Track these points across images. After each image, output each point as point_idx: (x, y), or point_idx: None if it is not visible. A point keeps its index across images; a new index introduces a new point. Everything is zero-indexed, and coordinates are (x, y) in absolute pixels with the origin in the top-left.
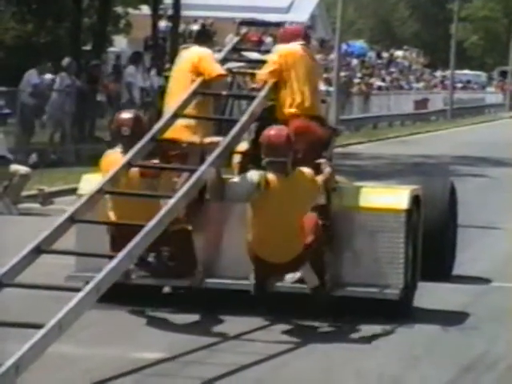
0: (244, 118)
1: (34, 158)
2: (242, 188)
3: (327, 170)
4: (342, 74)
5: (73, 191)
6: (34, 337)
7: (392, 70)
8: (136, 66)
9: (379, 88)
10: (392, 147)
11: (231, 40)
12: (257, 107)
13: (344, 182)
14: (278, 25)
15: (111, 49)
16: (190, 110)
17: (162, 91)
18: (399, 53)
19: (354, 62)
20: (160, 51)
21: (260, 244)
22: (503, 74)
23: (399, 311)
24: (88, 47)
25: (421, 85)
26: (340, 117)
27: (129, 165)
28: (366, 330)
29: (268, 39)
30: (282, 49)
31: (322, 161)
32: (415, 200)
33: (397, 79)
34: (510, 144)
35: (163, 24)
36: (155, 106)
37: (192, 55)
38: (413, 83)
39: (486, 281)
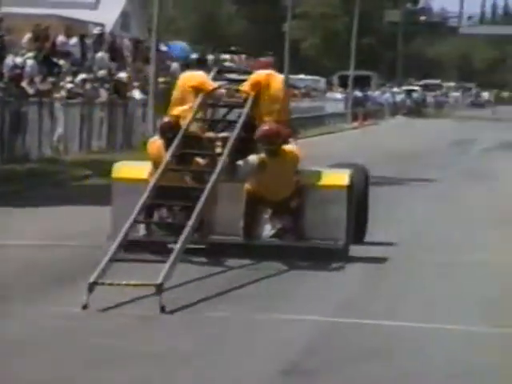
0: (240, 121)
1: None
2: (247, 168)
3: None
4: (161, 79)
5: None
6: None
7: None
8: None
9: None
10: None
11: (214, 71)
12: (245, 115)
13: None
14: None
15: None
16: (191, 113)
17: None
18: (226, 55)
19: (175, 65)
20: None
21: (262, 189)
22: (344, 79)
23: (341, 256)
24: None
25: None
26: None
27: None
28: (321, 266)
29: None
30: (258, 73)
31: (291, 140)
32: (352, 180)
33: None
34: (352, 158)
35: None
36: None
37: (192, 77)
38: None
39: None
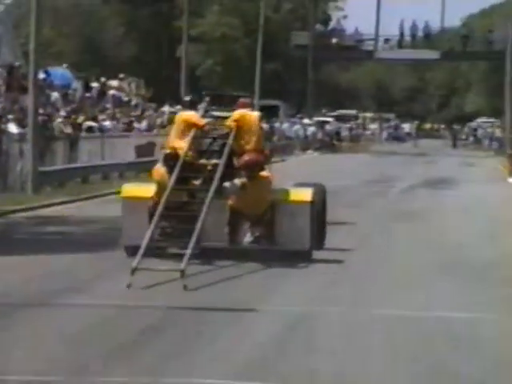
0: (226, 151)
1: None
2: (232, 189)
3: (267, 172)
4: (41, 111)
5: None
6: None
7: (107, 105)
8: None
9: (89, 129)
10: (108, 207)
11: (202, 107)
12: (229, 146)
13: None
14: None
15: None
16: (187, 145)
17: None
18: (113, 82)
19: (55, 94)
20: None
21: (243, 206)
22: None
23: (306, 257)
24: None
25: (144, 125)
26: (39, 168)
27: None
28: (291, 264)
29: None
30: (239, 111)
31: (266, 167)
32: (314, 196)
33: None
34: None
35: None
36: None
37: (185, 116)
38: (134, 123)
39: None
